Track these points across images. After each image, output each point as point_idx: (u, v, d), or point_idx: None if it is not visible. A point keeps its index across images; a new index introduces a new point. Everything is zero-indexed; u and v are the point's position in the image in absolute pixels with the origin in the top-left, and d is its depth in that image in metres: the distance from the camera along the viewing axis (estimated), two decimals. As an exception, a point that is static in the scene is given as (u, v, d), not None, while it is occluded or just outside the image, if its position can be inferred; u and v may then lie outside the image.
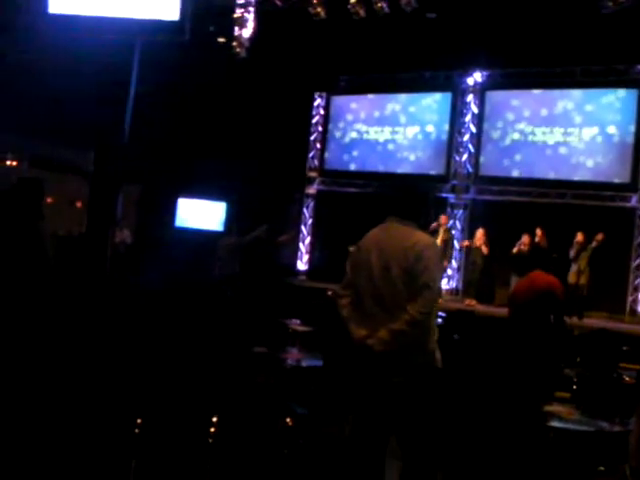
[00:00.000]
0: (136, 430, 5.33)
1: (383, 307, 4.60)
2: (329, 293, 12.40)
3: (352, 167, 21.84)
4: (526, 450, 4.46)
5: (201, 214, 19.74)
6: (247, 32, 17.69)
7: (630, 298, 17.72)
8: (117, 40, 7.14)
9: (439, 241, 17.09)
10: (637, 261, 17.73)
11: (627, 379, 7.64)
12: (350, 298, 4.78)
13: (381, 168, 21.13)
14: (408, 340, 4.58)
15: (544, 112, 19.08)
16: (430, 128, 20.81)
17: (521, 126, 19.39)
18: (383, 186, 19.57)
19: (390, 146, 21.36)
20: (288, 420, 5.81)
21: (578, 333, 11.63)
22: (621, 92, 18.30)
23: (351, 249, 4.97)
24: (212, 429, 5.53)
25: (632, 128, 18.00)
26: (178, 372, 5.87)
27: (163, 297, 8.31)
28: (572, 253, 16.37)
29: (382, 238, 4.74)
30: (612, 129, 18.22)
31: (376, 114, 21.68)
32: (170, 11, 6.82)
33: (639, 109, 17.97)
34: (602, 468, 5.59)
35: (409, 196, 4.86)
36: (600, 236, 16.30)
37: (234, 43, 17.65)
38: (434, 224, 17.29)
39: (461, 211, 20.19)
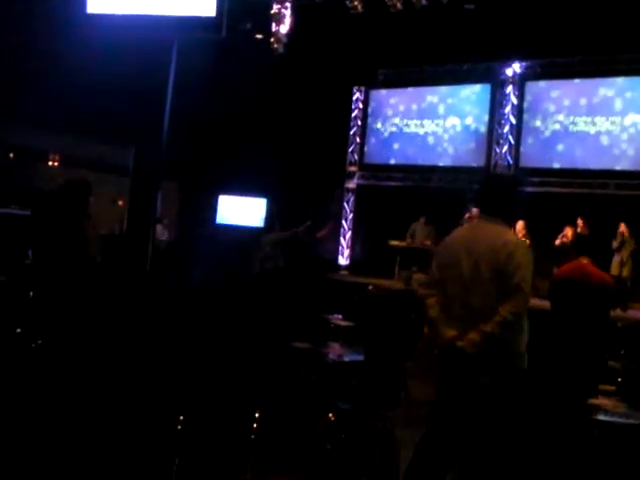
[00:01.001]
0: (179, 427, 5.35)
1: (472, 308, 4.53)
2: (370, 288, 12.40)
3: (392, 161, 21.77)
4: (573, 444, 4.42)
5: (242, 211, 19.75)
6: (284, 28, 17.72)
7: (674, 289, 17.51)
8: (155, 38, 7.17)
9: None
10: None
11: (676, 372, 7.56)
12: (437, 297, 4.72)
13: (421, 161, 21.05)
14: (498, 341, 4.52)
15: (584, 101, 18.89)
16: (470, 120, 20.70)
17: (561, 116, 19.22)
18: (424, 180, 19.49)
19: (429, 139, 21.27)
20: (330, 415, 5.81)
21: (622, 325, 11.51)
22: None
23: (440, 246, 4.91)
24: (255, 425, 5.54)
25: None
26: (221, 368, 5.88)
27: (205, 295, 8.34)
28: (615, 244, 16.19)
29: (471, 237, 4.69)
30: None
31: (415, 107, 21.61)
32: (207, 8, 6.84)
33: None
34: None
35: (497, 192, 4.78)
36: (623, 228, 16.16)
37: (272, 39, 17.68)
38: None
39: (502, 204, 20.00)
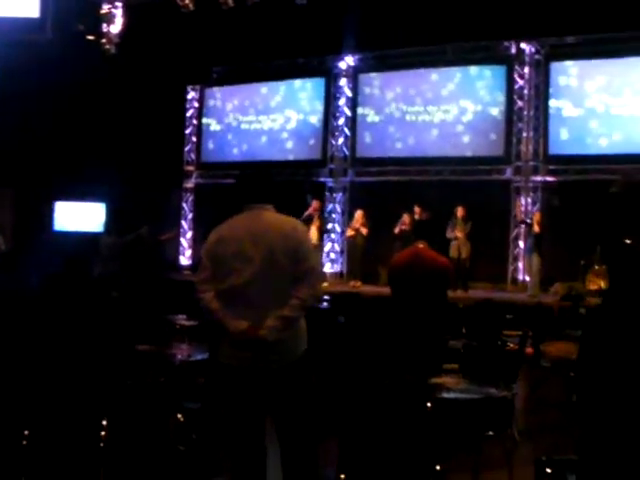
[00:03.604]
0: (24, 442, 5.20)
1: (267, 296, 4.53)
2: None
3: (230, 158, 21.74)
4: (416, 424, 4.54)
5: (80, 216, 19.40)
6: (116, 28, 17.43)
7: (511, 267, 18.27)
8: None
9: (315, 227, 17.30)
10: (515, 231, 18.25)
11: (511, 345, 7.86)
12: (214, 291, 4.66)
13: (260, 157, 21.12)
14: (294, 324, 4.60)
15: (417, 91, 19.42)
16: (306, 114, 20.94)
17: (395, 106, 19.68)
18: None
19: (267, 135, 21.39)
20: (179, 416, 5.77)
21: (463, 305, 11.89)
22: (490, 68, 18.79)
23: (210, 241, 4.79)
24: (103, 433, 5.44)
25: (502, 103, 18.53)
26: (63, 378, 5.75)
27: (41, 301, 8.14)
28: (450, 227, 16.73)
29: (254, 226, 4.63)
30: (483, 105, 18.71)
31: (251, 103, 21.67)
32: (29, 9, 6.65)
33: (508, 84, 18.51)
34: (491, 433, 5.74)
35: (266, 182, 4.82)
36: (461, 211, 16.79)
37: (103, 40, 17.36)
38: (309, 211, 17.46)
39: (340, 194, 20.40)
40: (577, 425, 4.27)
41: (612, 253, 4.71)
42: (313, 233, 17.53)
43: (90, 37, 17.57)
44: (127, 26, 17.50)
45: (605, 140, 17.46)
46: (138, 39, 17.77)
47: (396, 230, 16.61)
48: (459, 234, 16.66)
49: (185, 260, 22.25)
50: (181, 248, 22.28)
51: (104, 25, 17.34)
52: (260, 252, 4.52)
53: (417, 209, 16.60)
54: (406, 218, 16.58)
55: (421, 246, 6.98)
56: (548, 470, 4.44)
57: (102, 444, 5.43)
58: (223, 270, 4.62)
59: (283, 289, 4.53)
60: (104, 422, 5.45)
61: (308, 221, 17.36)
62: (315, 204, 17.97)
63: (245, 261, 4.54)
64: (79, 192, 18.94)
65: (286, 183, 18.15)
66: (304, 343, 4.70)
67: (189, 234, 22.34)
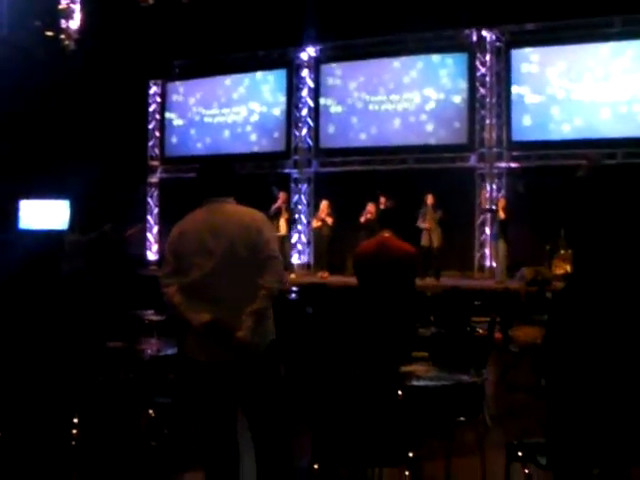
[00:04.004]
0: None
1: (229, 288, 4.51)
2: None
3: (194, 152, 21.66)
4: (387, 412, 4.56)
5: (45, 214, 19.24)
6: (74, 23, 17.26)
7: (477, 255, 18.39)
8: None
9: (284, 220, 17.33)
10: (481, 218, 18.35)
11: (480, 331, 7.92)
12: (178, 285, 4.65)
13: (224, 150, 21.04)
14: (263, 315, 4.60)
15: (380, 81, 19.44)
16: (269, 106, 20.91)
17: (358, 96, 19.70)
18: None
19: (230, 128, 21.36)
20: (151, 412, 5.75)
21: (431, 293, 11.94)
22: (452, 56, 18.86)
23: (172, 236, 4.78)
24: (75, 431, 5.42)
25: (465, 91, 18.62)
26: (32, 377, 5.72)
27: (7, 300, 8.09)
28: (421, 217, 16.77)
29: (213, 219, 4.62)
30: (446, 93, 18.79)
31: (213, 97, 21.63)
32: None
33: (470, 72, 18.59)
34: (463, 418, 5.79)
35: (225, 175, 4.81)
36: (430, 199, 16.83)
37: (62, 36, 17.19)
38: (277, 204, 17.47)
39: (305, 185, 20.41)
40: (545, 407, 4.33)
41: (577, 237, 4.76)
42: (282, 225, 17.55)
43: (49, 33, 17.40)
44: (86, 21, 17.33)
45: (567, 126, 17.60)
46: (98, 34, 17.62)
47: (362, 220, 16.62)
48: (429, 222, 16.70)
49: (152, 255, 22.17)
50: (148, 243, 22.20)
51: (62, 21, 17.16)
52: (221, 245, 4.52)
53: (382, 199, 16.61)
54: (371, 207, 16.61)
55: (386, 235, 6.96)
56: (519, 453, 4.50)
57: (74, 442, 5.40)
58: (185, 264, 4.61)
59: (245, 281, 4.52)
60: (75, 420, 5.43)
61: (277, 214, 17.38)
62: (282, 196, 17.98)
63: (206, 255, 4.53)
64: (43, 190, 18.78)
65: (251, 176, 18.15)
66: (271, 334, 4.69)
67: (155, 229, 22.26)
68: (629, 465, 4.31)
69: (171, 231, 4.80)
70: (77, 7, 17.22)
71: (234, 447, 4.68)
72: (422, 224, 16.80)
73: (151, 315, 9.04)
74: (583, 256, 4.66)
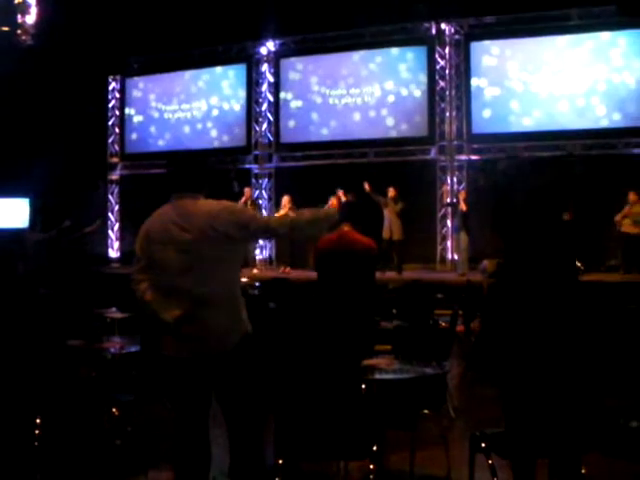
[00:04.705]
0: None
1: (199, 283, 4.46)
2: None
3: (154, 149, 21.60)
4: (351, 406, 4.57)
5: (5, 213, 19.05)
6: (31, 18, 17.09)
7: (439, 247, 18.48)
8: None
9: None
10: (442, 211, 18.44)
11: (443, 324, 7.96)
12: (149, 282, 4.59)
13: (184, 146, 20.98)
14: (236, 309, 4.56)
15: (339, 75, 19.49)
16: (229, 101, 20.87)
17: (318, 90, 19.73)
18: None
19: (190, 123, 21.31)
20: (114, 410, 5.72)
21: (393, 286, 11.96)
22: (411, 50, 18.93)
23: (141, 232, 4.70)
24: (37, 431, 5.38)
25: (425, 84, 18.69)
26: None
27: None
28: (385, 209, 16.78)
29: (182, 214, 4.54)
30: (406, 86, 18.87)
31: (172, 93, 21.54)
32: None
33: (429, 65, 18.67)
34: (426, 411, 5.81)
35: (193, 169, 4.76)
36: (392, 192, 16.82)
37: (18, 31, 17.02)
38: (243, 200, 17.42)
39: (266, 180, 20.39)
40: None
41: (501, 227, 4.81)
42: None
43: (4, 28, 17.21)
44: (43, 16, 17.18)
45: (526, 118, 17.74)
46: (55, 29, 17.46)
47: (322, 214, 16.56)
48: (390, 215, 16.70)
49: (113, 253, 22.02)
50: (109, 241, 22.05)
51: (19, 16, 16.99)
52: (189, 240, 4.46)
53: (340, 193, 16.54)
54: (333, 202, 16.59)
55: (346, 229, 6.97)
56: (483, 444, 4.53)
57: (36, 442, 5.37)
58: (155, 261, 4.56)
59: (216, 276, 4.48)
60: (38, 420, 5.39)
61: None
62: (247, 192, 17.93)
63: (175, 250, 4.47)
64: (2, 188, 18.59)
65: (212, 171, 18.07)
66: (244, 327, 4.63)
67: (116, 226, 22.11)
68: (579, 452, 4.37)
69: (140, 228, 4.75)
70: (33, 2, 17.06)
71: (206, 444, 4.64)
72: (385, 216, 16.80)
73: (113, 313, 8.99)
74: (510, 246, 4.71)
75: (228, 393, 4.55)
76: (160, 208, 4.70)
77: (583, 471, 4.31)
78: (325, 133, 19.58)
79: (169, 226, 4.51)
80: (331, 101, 19.55)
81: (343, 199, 16.36)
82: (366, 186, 16.54)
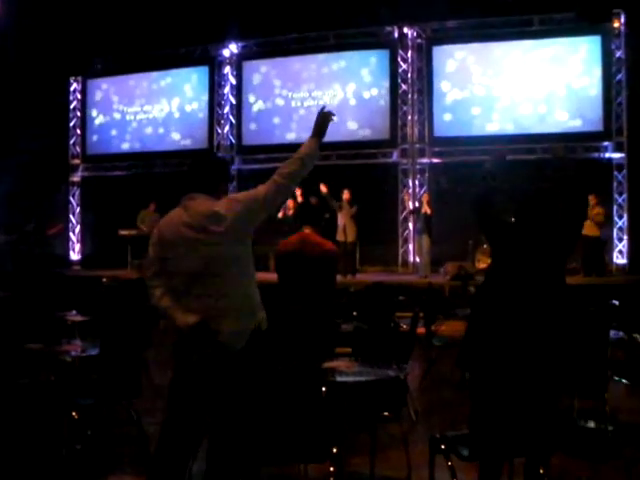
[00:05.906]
0: None
1: (213, 285, 4.41)
2: (104, 280, 12.21)
3: (116, 150, 21.50)
4: (311, 408, 4.57)
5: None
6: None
7: (401, 250, 18.55)
8: None
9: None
10: (404, 213, 18.52)
11: (404, 327, 7.96)
12: (164, 287, 4.50)
13: (146, 148, 20.96)
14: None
15: (302, 78, 19.57)
16: (191, 103, 20.83)
17: (280, 93, 19.78)
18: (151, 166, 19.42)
19: (152, 125, 21.22)
20: (74, 414, 5.68)
21: (354, 289, 11.98)
22: (374, 53, 19.01)
23: (153, 236, 4.64)
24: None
25: (387, 87, 18.78)
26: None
27: None
28: (339, 212, 16.76)
29: (190, 215, 4.45)
30: (369, 89, 18.94)
31: (134, 94, 21.46)
32: None
33: (392, 69, 18.76)
34: (387, 413, 5.83)
35: (207, 169, 4.69)
36: (346, 195, 16.82)
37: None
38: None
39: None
40: (469, 400, 4.40)
41: (488, 229, 4.85)
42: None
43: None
44: (4, 16, 17.05)
45: (487, 122, 17.87)
46: (16, 29, 17.34)
47: (280, 214, 16.58)
48: (345, 217, 16.67)
49: (75, 255, 21.84)
50: (70, 243, 21.86)
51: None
52: (203, 240, 4.38)
53: (298, 192, 16.44)
54: (290, 202, 16.61)
55: (307, 232, 6.97)
56: (442, 446, 4.55)
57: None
58: (168, 264, 4.49)
59: (231, 277, 4.43)
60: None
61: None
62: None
63: (188, 252, 4.39)
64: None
65: (174, 174, 18.05)
66: (257, 325, 4.54)
67: (77, 228, 21.93)
68: (548, 453, 4.41)
69: (152, 231, 4.69)
70: (-6, 2, 16.96)
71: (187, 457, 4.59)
72: (339, 219, 16.77)
73: (74, 316, 8.91)
74: (497, 249, 4.75)
75: (227, 393, 4.48)
76: (171, 211, 4.63)
77: (541, 471, 4.36)
78: (287, 135, 19.58)
79: (181, 229, 4.43)
80: (293, 104, 19.59)
81: (299, 199, 16.39)
82: (322, 188, 16.45)
